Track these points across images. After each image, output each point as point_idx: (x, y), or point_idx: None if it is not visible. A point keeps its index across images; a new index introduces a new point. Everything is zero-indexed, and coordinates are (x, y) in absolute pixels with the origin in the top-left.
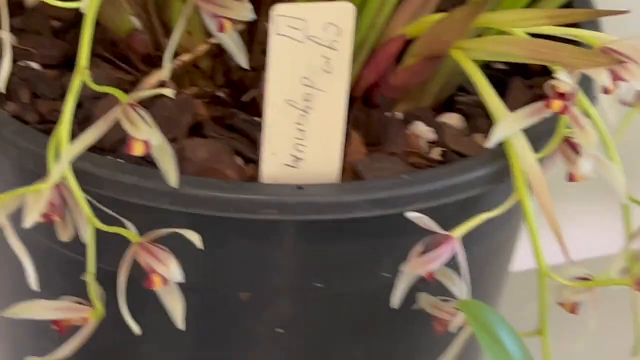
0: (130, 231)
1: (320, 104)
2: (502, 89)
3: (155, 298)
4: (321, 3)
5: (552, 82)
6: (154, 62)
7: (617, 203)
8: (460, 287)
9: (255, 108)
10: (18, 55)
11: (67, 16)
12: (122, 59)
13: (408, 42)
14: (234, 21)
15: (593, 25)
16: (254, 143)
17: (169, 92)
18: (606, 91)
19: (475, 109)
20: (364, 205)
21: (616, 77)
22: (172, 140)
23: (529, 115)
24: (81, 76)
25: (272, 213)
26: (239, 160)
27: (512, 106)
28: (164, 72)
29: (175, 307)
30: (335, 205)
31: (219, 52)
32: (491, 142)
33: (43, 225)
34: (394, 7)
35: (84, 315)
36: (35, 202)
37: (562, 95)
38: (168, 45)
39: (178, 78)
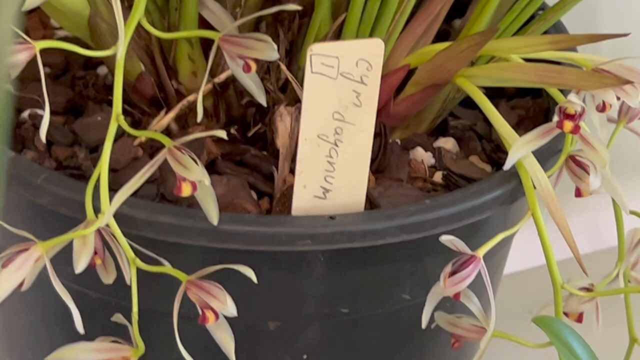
0: (177, 270)
1: (350, 137)
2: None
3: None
4: (353, 40)
5: (563, 104)
6: (159, 104)
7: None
8: (477, 305)
9: (262, 142)
10: (25, 103)
11: (56, 62)
12: (127, 102)
13: (408, 72)
14: (257, 61)
15: (572, 48)
16: (266, 177)
17: (222, 133)
18: (602, 109)
19: (466, 132)
20: (393, 231)
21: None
22: None
23: (540, 136)
24: (117, 122)
25: (307, 244)
26: (253, 194)
27: None
28: (172, 113)
29: (227, 341)
30: (366, 233)
31: (220, 91)
32: (508, 164)
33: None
34: (398, 37)
35: (125, 354)
36: (84, 248)
37: (571, 117)
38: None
39: (182, 118)
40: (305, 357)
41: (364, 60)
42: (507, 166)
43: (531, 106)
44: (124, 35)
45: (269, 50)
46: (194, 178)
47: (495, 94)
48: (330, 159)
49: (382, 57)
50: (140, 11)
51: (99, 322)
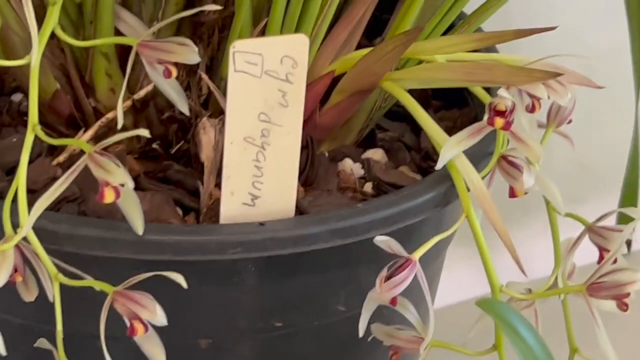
0: (102, 283)
1: (277, 139)
2: (410, 122)
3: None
4: (277, 36)
5: (492, 100)
6: (77, 124)
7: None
8: (414, 314)
9: (186, 159)
10: None
11: None
12: (43, 123)
13: (333, 80)
14: (177, 66)
15: (493, 49)
16: (192, 192)
17: (144, 132)
18: (532, 110)
19: (394, 143)
20: (326, 236)
21: (539, 97)
22: None
23: (471, 135)
24: (34, 132)
25: (237, 252)
26: (178, 211)
27: (428, 142)
28: (90, 132)
29: (157, 354)
30: (298, 238)
31: (140, 108)
32: (440, 164)
33: None
34: (320, 44)
35: None
36: (3, 263)
37: (502, 113)
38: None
39: (102, 138)
40: None
41: (289, 57)
42: (439, 165)
43: (458, 117)
44: (38, 43)
45: (189, 54)
46: (118, 181)
47: (421, 106)
48: (258, 163)
49: (307, 53)
50: (53, 20)
51: (22, 348)
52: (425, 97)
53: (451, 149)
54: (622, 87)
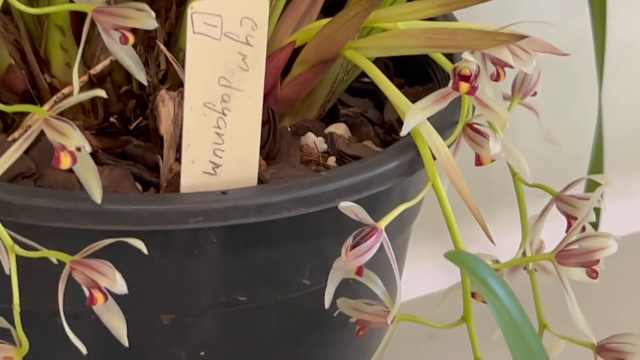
0: (60, 252)
1: (238, 105)
2: (376, 101)
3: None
4: None
5: (457, 64)
6: (32, 100)
7: None
8: (381, 286)
9: (145, 135)
10: None
11: None
12: None
13: (294, 52)
14: (135, 32)
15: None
16: (151, 167)
17: (101, 92)
18: (497, 78)
19: (357, 118)
20: (289, 204)
21: (504, 65)
22: (69, 172)
23: (436, 102)
24: None
25: (199, 221)
26: (138, 186)
27: (392, 116)
28: (45, 107)
29: (118, 325)
30: (261, 207)
31: (97, 83)
32: (404, 130)
33: None
34: (280, 15)
35: (8, 354)
36: None
37: (467, 78)
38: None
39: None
40: (202, 354)
41: (249, 18)
42: (403, 132)
43: (422, 92)
44: None
45: (146, 19)
46: (74, 144)
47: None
48: (219, 129)
49: (267, 15)
50: None
51: None
52: (388, 75)
53: (415, 116)
54: (587, 77)
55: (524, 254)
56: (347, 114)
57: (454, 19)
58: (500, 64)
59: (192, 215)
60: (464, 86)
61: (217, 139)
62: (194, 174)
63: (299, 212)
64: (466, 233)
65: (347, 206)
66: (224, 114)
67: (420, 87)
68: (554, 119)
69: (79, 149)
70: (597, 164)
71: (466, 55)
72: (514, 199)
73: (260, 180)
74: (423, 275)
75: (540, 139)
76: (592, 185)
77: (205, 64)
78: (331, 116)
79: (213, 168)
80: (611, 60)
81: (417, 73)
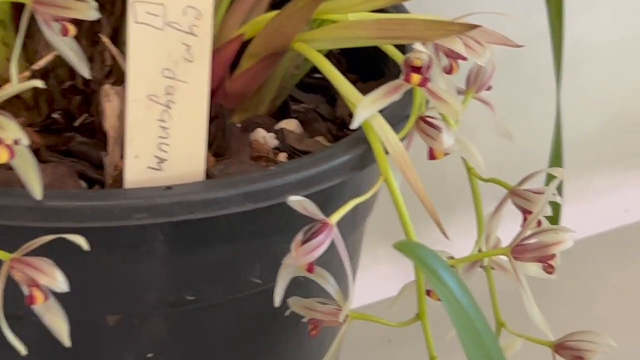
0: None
1: (183, 97)
2: (328, 96)
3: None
4: None
5: (408, 55)
6: None
7: None
8: (333, 284)
9: (90, 132)
10: None
11: None
12: None
13: (243, 45)
14: (76, 24)
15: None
16: (96, 164)
17: (38, 83)
18: (450, 70)
19: (309, 114)
20: (237, 199)
21: (457, 56)
22: (9, 170)
23: (387, 94)
24: None
25: (143, 217)
26: (82, 184)
27: (344, 111)
28: None
29: (59, 325)
30: (208, 202)
31: (41, 79)
32: (354, 123)
33: None
34: (228, 7)
35: None
36: None
37: (418, 69)
38: None
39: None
40: (150, 355)
41: (192, 7)
42: (354, 125)
43: (375, 88)
44: None
45: (87, 10)
46: (11, 136)
47: None
48: (163, 123)
49: (212, 3)
50: None
51: None
52: (340, 70)
53: (366, 108)
54: (546, 76)
55: (479, 250)
56: (299, 110)
57: (405, 11)
58: (453, 56)
59: (136, 212)
60: (416, 77)
61: (162, 132)
62: (138, 169)
63: (247, 207)
64: (423, 235)
65: (297, 200)
66: (168, 106)
67: (373, 82)
68: (512, 117)
69: (16, 142)
70: (556, 163)
71: (417, 45)
72: (471, 202)
73: (209, 176)
74: (380, 280)
75: (496, 136)
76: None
77: (148, 55)
78: (282, 112)
79: (158, 163)
80: (571, 59)
81: (370, 69)
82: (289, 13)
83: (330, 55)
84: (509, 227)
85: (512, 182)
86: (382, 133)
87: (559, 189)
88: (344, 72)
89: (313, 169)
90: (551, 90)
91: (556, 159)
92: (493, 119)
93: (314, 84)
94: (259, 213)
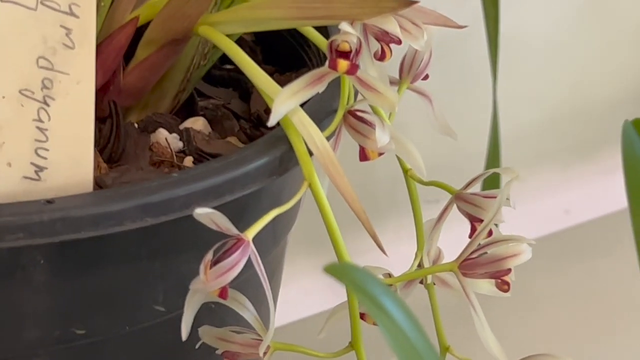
0: None
1: (64, 91)
2: (241, 90)
3: None
4: None
5: (333, 38)
6: None
7: None
8: (251, 310)
9: None
10: None
11: None
12: None
13: (139, 31)
14: None
15: None
16: None
17: None
18: (382, 56)
19: (219, 111)
20: (133, 213)
21: (390, 40)
22: None
23: (309, 84)
24: None
25: (19, 239)
26: None
27: (260, 106)
28: None
29: None
30: (98, 217)
31: None
32: (272, 120)
33: None
34: None
35: None
36: None
37: (346, 54)
38: None
39: None
40: None
41: None
42: (271, 122)
43: (294, 79)
44: None
45: None
46: None
47: None
48: (41, 123)
49: None
50: None
51: None
52: (254, 60)
53: (285, 102)
54: (478, 70)
55: (420, 265)
56: (207, 107)
57: None
58: (385, 40)
59: (9, 232)
60: (343, 64)
61: (40, 135)
62: (12, 179)
63: (145, 222)
64: (352, 245)
65: (204, 213)
66: (46, 103)
67: (293, 73)
68: (446, 112)
69: None
70: (493, 162)
71: (344, 26)
72: (405, 206)
73: (99, 186)
74: (304, 295)
75: (430, 132)
76: (490, 184)
77: (20, 41)
78: (187, 109)
79: (36, 171)
80: (506, 47)
81: (289, 59)
82: None
83: (242, 43)
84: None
85: (449, 180)
86: (305, 131)
87: (495, 188)
88: (259, 63)
89: (224, 175)
90: (487, 82)
91: (494, 156)
92: (428, 113)
93: (224, 76)
94: (160, 228)
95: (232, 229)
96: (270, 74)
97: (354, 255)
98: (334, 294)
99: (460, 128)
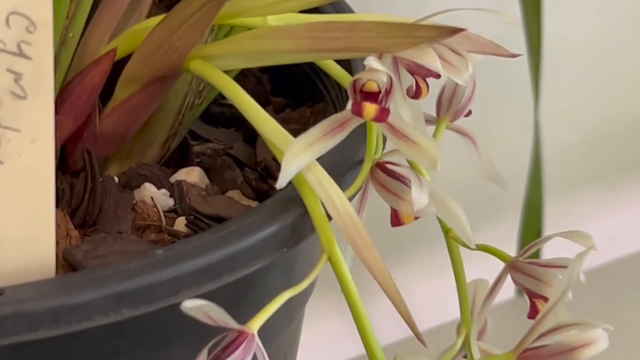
0: None
1: (14, 153)
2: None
3: None
4: None
5: (357, 76)
6: None
7: None
8: None
9: None
10: None
11: None
12: None
13: (118, 66)
14: None
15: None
16: None
17: None
18: (417, 94)
19: (219, 158)
20: (106, 304)
21: (427, 73)
22: None
23: (327, 134)
24: None
25: None
26: None
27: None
28: None
29: None
30: (60, 311)
31: None
32: (281, 180)
33: None
34: (91, 10)
35: None
36: None
37: (374, 95)
38: None
39: None
40: None
41: (20, 14)
42: (280, 183)
43: (310, 117)
44: None
45: None
46: None
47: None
48: None
49: (51, 7)
50: None
51: None
52: (262, 92)
53: (298, 157)
54: (515, 84)
55: (465, 345)
56: (204, 152)
57: (349, 10)
58: (421, 73)
59: None
60: (370, 108)
61: None
62: None
63: (122, 315)
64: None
65: (195, 306)
66: None
67: (308, 108)
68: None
69: None
70: (535, 186)
71: (371, 61)
72: (436, 233)
73: (69, 262)
74: (324, 339)
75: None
76: (530, 228)
77: None
78: (180, 157)
79: None
80: (545, 61)
81: (303, 89)
82: (180, 19)
83: (247, 72)
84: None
85: (480, 210)
86: (323, 190)
87: (537, 216)
88: (267, 94)
89: (221, 251)
90: (524, 98)
91: (535, 179)
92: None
93: (226, 113)
94: (140, 321)
95: (231, 323)
96: (281, 109)
97: (384, 320)
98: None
99: (495, 147)
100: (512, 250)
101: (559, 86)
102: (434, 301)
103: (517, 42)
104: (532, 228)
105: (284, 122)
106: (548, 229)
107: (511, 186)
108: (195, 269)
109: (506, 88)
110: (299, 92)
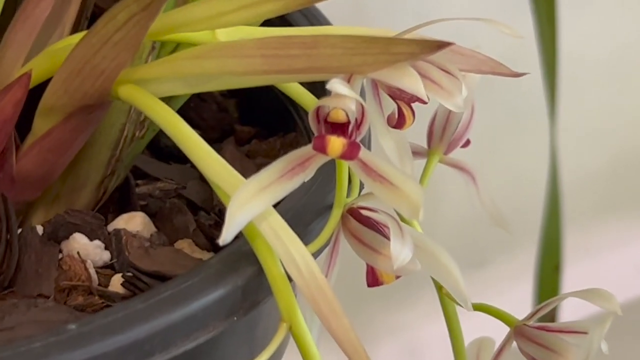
0: None
1: None
2: None
3: None
4: None
5: (320, 103)
6: None
7: None
8: None
9: None
10: None
11: None
12: None
13: (36, 93)
14: None
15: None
16: None
17: None
18: (399, 122)
19: (168, 201)
20: None
21: (411, 99)
22: None
23: (286, 173)
24: None
25: None
26: None
27: None
28: None
29: None
30: None
31: None
32: (225, 235)
33: None
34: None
35: None
36: None
37: (341, 127)
38: None
39: None
40: None
41: None
42: (224, 238)
43: (280, 148)
44: None
45: None
46: None
47: (218, 135)
48: None
49: None
50: None
51: None
52: (224, 120)
53: (247, 203)
54: (528, 106)
55: None
56: (151, 194)
57: (325, 22)
58: (404, 98)
59: None
60: (336, 143)
61: None
62: None
63: None
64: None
65: None
66: None
67: (278, 138)
68: (488, 157)
69: None
70: (552, 216)
71: (336, 85)
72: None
73: None
74: None
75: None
76: (547, 262)
77: None
78: (121, 201)
79: None
80: (561, 80)
81: (273, 116)
82: (104, 33)
83: (207, 98)
84: None
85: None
86: (280, 245)
87: (555, 248)
88: (231, 124)
89: (151, 323)
90: (538, 121)
91: (553, 208)
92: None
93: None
94: None
95: None
96: (248, 139)
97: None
98: None
99: (508, 175)
100: (528, 288)
101: (578, 108)
102: (444, 343)
103: (532, 58)
104: (549, 262)
105: (249, 156)
106: (568, 261)
107: (527, 216)
108: (118, 347)
109: (518, 111)
110: (270, 119)
